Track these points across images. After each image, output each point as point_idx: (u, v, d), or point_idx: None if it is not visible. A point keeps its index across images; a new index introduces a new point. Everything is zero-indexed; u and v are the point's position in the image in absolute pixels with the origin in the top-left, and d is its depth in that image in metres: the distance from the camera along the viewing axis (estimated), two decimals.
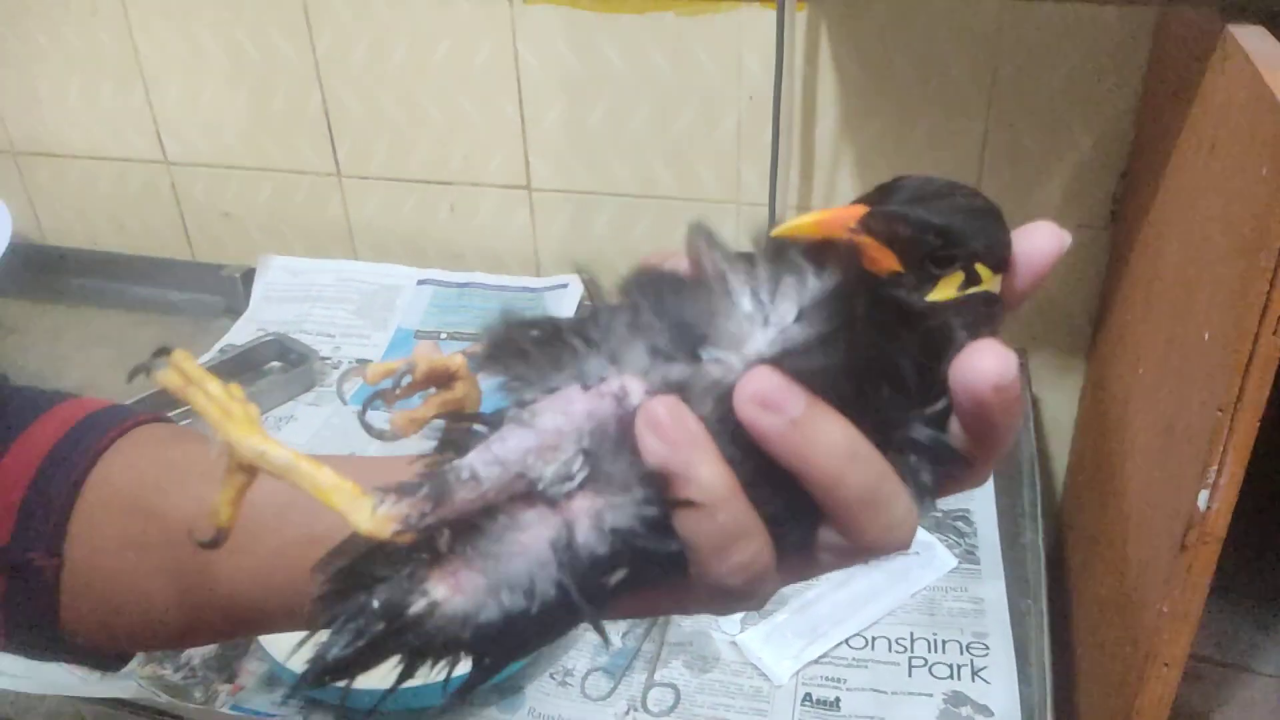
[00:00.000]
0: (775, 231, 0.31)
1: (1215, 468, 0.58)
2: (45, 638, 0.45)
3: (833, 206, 0.31)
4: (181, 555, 0.43)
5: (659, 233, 1.11)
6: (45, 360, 1.20)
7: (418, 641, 0.31)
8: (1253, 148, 0.58)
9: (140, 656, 0.82)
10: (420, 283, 1.20)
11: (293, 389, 1.09)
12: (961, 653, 0.78)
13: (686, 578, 0.31)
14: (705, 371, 0.30)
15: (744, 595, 0.32)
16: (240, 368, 1.12)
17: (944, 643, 0.79)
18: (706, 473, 0.29)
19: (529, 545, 0.30)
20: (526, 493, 0.30)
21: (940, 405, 0.31)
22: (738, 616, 0.81)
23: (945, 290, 0.31)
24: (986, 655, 0.78)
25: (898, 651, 0.79)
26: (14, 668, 0.79)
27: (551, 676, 0.78)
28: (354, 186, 1.22)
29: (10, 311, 1.28)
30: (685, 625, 0.82)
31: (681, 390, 0.30)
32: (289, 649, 0.77)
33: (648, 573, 0.31)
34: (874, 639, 0.80)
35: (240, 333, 1.18)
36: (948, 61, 0.99)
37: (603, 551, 0.30)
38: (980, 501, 0.93)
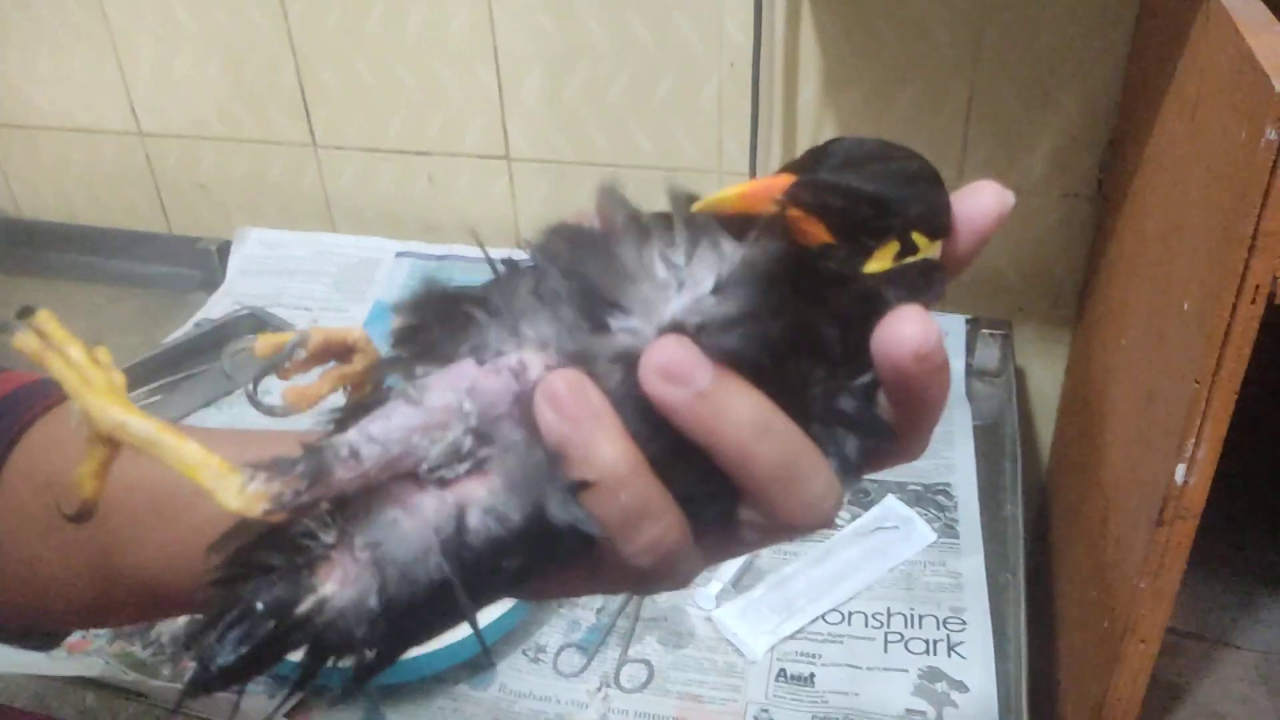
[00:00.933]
0: (698, 206, 0.29)
1: (1192, 441, 0.57)
2: None
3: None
4: (96, 535, 0.42)
5: (640, 201, 1.09)
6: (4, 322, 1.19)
7: (308, 639, 0.29)
8: (1233, 112, 0.56)
9: (109, 633, 0.82)
10: (399, 255, 1.18)
11: (269, 363, 1.08)
12: (938, 628, 0.77)
13: (593, 558, 0.30)
14: (613, 341, 0.29)
15: (659, 575, 0.30)
16: (216, 341, 1.10)
17: (921, 618, 0.78)
18: (608, 450, 0.28)
19: (420, 530, 0.28)
20: (415, 474, 0.29)
21: (867, 377, 0.30)
22: (712, 592, 0.81)
23: (881, 261, 0.29)
24: (964, 630, 0.77)
25: (874, 626, 0.78)
26: None
27: (524, 653, 0.77)
28: (330, 157, 1.20)
29: None
30: (660, 601, 0.81)
31: (587, 362, 0.29)
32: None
33: (550, 555, 0.29)
34: (850, 614, 0.79)
35: (216, 306, 1.16)
36: (931, 26, 0.97)
37: (498, 536, 0.28)
38: (961, 475, 0.92)
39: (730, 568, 0.82)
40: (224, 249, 1.22)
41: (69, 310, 1.22)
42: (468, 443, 0.29)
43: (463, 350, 0.30)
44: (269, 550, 0.30)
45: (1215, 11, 0.63)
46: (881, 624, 0.78)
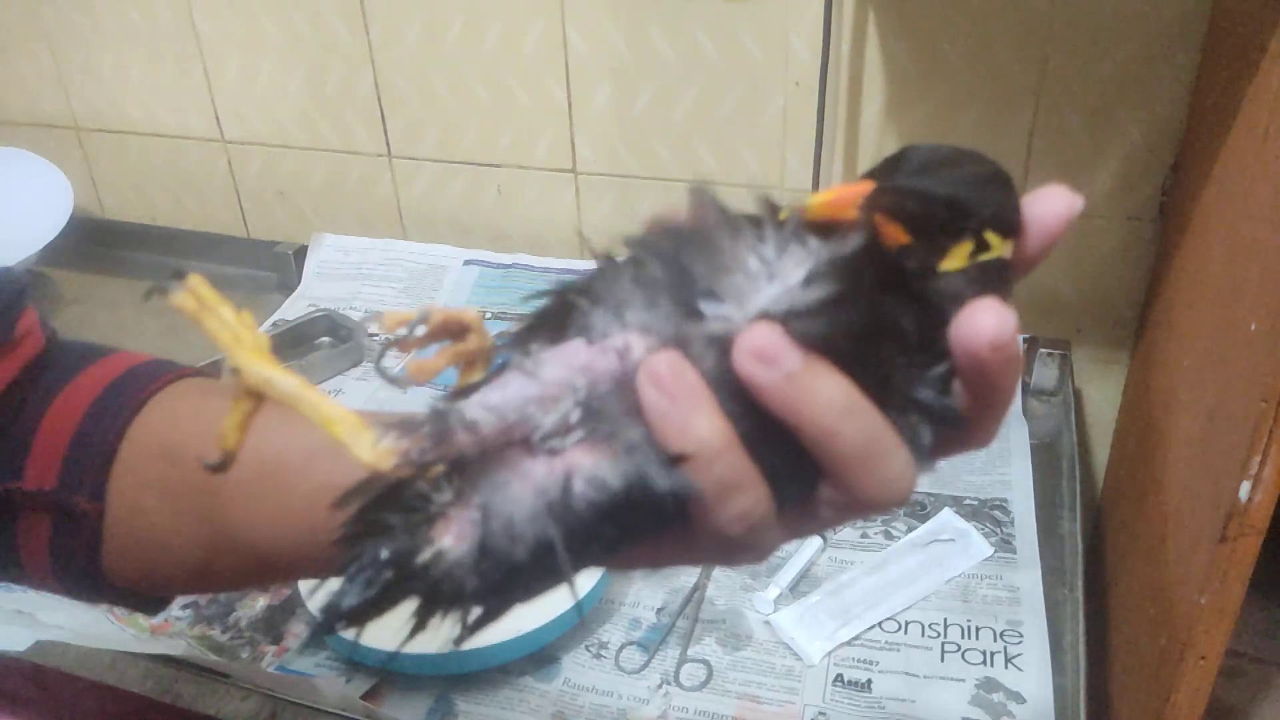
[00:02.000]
0: (784, 214, 0.32)
1: (1258, 458, 0.58)
2: (89, 580, 0.47)
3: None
4: (209, 501, 0.45)
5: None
6: (102, 332, 1.24)
7: (425, 589, 0.32)
8: None
9: (190, 616, 0.85)
10: (466, 263, 1.21)
11: (340, 364, 1.12)
12: (995, 639, 0.78)
13: (688, 528, 0.32)
14: (707, 327, 0.31)
15: (745, 546, 0.32)
16: (291, 342, 1.15)
17: (978, 629, 0.79)
18: (704, 425, 0.30)
19: (530, 494, 0.31)
20: (527, 441, 0.31)
21: (943, 368, 0.32)
22: (771, 596, 0.82)
23: (956, 259, 0.32)
24: (1020, 643, 0.78)
25: (930, 636, 0.79)
26: (72, 622, 0.82)
27: (587, 649, 0.80)
28: (404, 167, 1.24)
29: (70, 283, 1.32)
30: (719, 604, 0.83)
31: (683, 345, 0.31)
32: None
33: (647, 523, 0.32)
34: (907, 623, 0.81)
35: (292, 308, 1.20)
36: (997, 48, 0.98)
37: (600, 502, 0.31)
38: (1018, 491, 0.93)
39: (788, 573, 0.84)
40: (300, 253, 1.26)
41: (149, 310, 1.27)
42: (576, 415, 0.31)
43: (571, 333, 0.32)
44: (389, 508, 0.33)
45: None
46: (938, 634, 0.79)
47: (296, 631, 0.83)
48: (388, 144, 1.23)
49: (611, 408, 0.31)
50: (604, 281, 0.33)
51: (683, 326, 0.31)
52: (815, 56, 1.00)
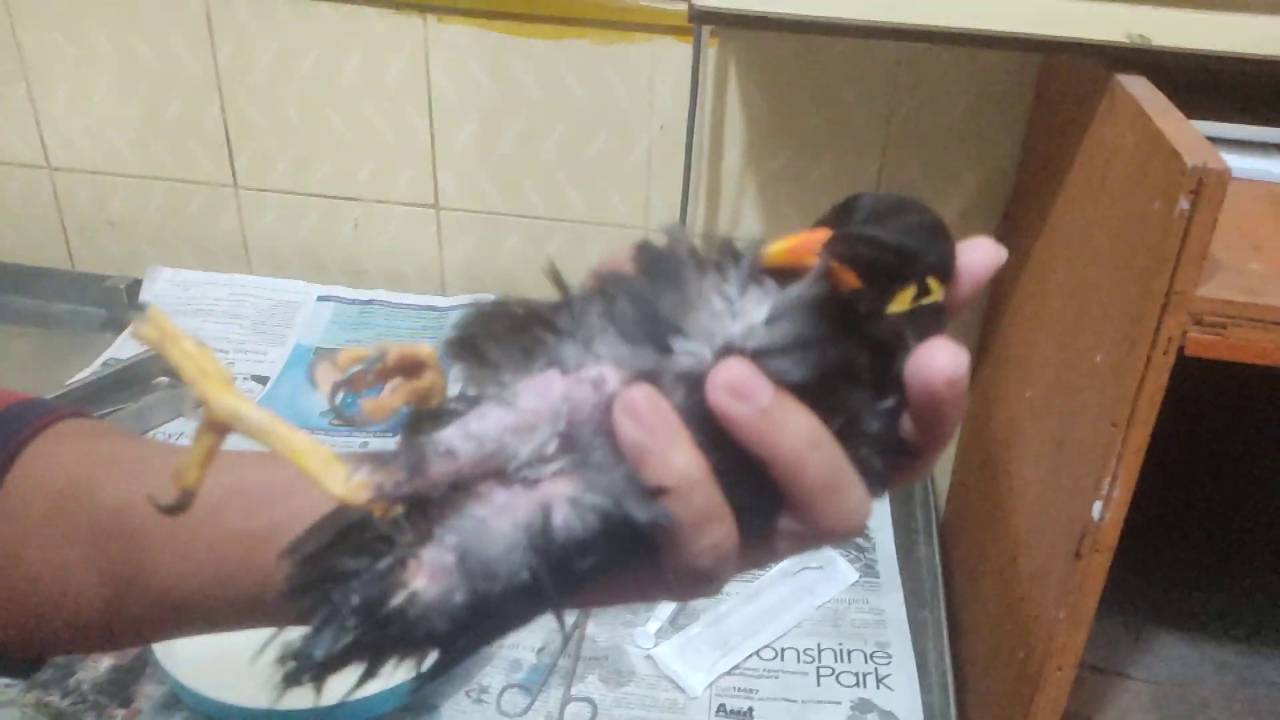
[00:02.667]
0: (768, 255, 0.33)
1: (1109, 479, 0.63)
2: None
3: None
4: (113, 547, 0.42)
5: (568, 255, 1.12)
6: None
7: (399, 634, 0.31)
8: (1144, 186, 0.63)
9: (21, 685, 0.78)
10: (320, 299, 1.17)
11: (181, 406, 1.05)
12: (866, 661, 0.82)
13: (656, 562, 0.33)
14: (677, 361, 0.32)
15: (710, 577, 0.33)
16: (125, 383, 1.07)
17: (849, 652, 0.83)
18: (681, 457, 0.31)
19: (506, 528, 0.31)
20: (502, 473, 0.31)
21: (891, 402, 0.34)
22: (651, 630, 0.83)
23: (900, 303, 0.34)
24: (890, 663, 0.81)
25: (806, 661, 0.82)
26: None
27: (467, 694, 0.78)
28: (251, 198, 1.19)
29: None
30: (600, 640, 0.83)
31: (654, 379, 0.32)
32: (189, 667, 0.75)
33: (623, 556, 0.32)
34: (783, 650, 0.83)
35: (124, 347, 1.13)
36: (847, 100, 1.04)
37: (580, 536, 0.31)
38: (877, 519, 0.97)
39: (667, 606, 0.85)
40: (134, 287, 1.19)
41: None
42: (553, 445, 0.31)
43: (538, 365, 0.33)
44: (349, 552, 0.32)
45: (1121, 97, 0.71)
46: (813, 659, 0.82)
47: (148, 692, 0.78)
48: (234, 174, 1.18)
49: (588, 439, 0.32)
50: (568, 314, 0.33)
51: (652, 360, 0.32)
52: (679, 101, 1.03)
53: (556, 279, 0.35)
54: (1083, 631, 0.68)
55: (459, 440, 0.31)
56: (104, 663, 0.80)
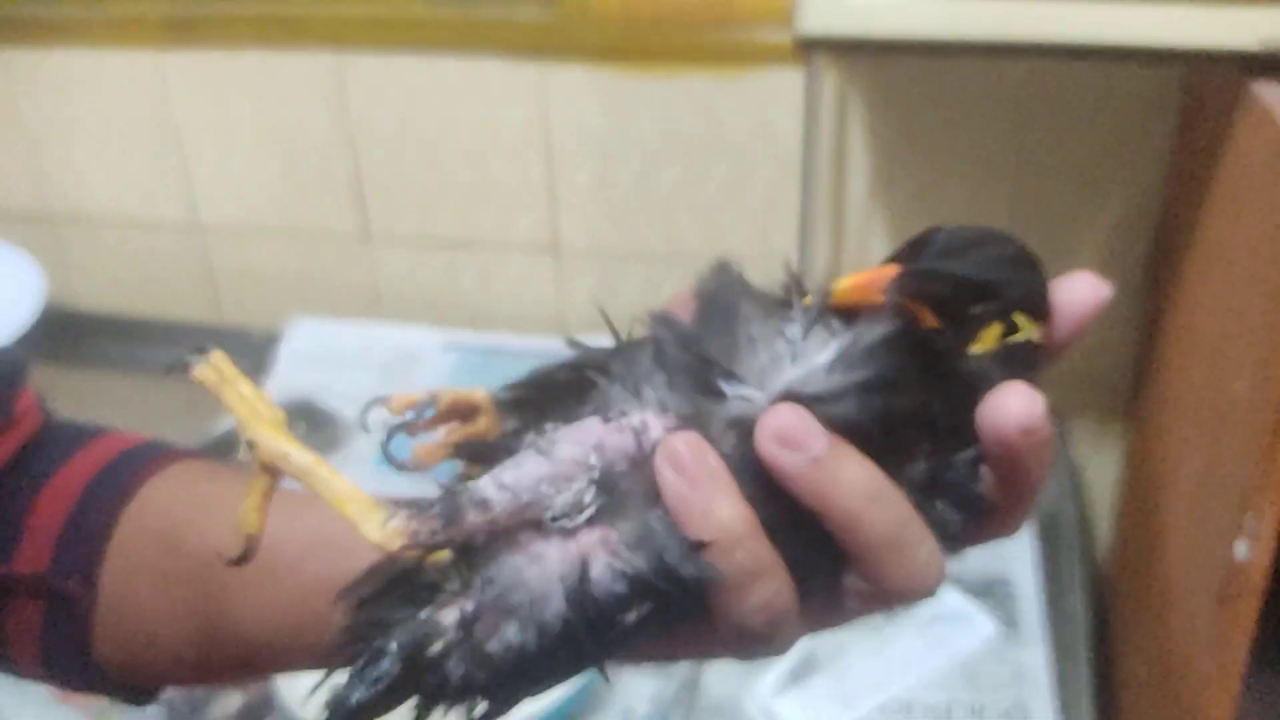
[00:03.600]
0: (808, 297, 0.31)
1: (1251, 515, 0.56)
2: (79, 668, 0.44)
3: (865, 266, 0.31)
4: (204, 589, 0.43)
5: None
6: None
7: (436, 681, 0.30)
8: (1273, 201, 0.57)
9: (164, 713, 0.81)
10: (446, 347, 1.19)
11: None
12: (1000, 718, 0.75)
13: (705, 619, 0.30)
14: (728, 408, 0.30)
15: (765, 638, 0.30)
16: None
17: (983, 708, 0.76)
18: (726, 510, 0.29)
19: (545, 580, 0.29)
20: (540, 524, 0.30)
21: (971, 453, 0.30)
22: (770, 679, 0.79)
23: (986, 342, 0.31)
24: None
25: (936, 717, 0.76)
26: (39, 718, 0.78)
27: None
28: (382, 249, 1.23)
29: (41, 375, 1.28)
30: (714, 690, 0.79)
31: (702, 426, 0.30)
32: (311, 706, 0.75)
33: (666, 611, 0.30)
34: (911, 704, 0.77)
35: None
36: (977, 123, 0.99)
37: (619, 589, 0.29)
38: (1020, 567, 0.90)
39: (788, 658, 0.81)
40: (274, 339, 1.24)
41: (118, 400, 1.24)
42: (590, 495, 0.30)
43: (586, 410, 0.31)
44: (397, 598, 0.31)
45: (1254, 105, 0.65)
46: (944, 715, 0.76)
47: None
48: (367, 225, 1.22)
49: (629, 489, 0.30)
50: (622, 358, 0.32)
51: (702, 406, 0.30)
52: (797, 133, 1.00)
53: (609, 324, 0.33)
54: (1233, 683, 0.60)
55: (494, 490, 0.30)
56: (236, 699, 0.82)
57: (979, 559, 0.92)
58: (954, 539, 0.31)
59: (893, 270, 0.30)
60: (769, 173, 1.05)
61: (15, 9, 1.24)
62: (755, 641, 0.31)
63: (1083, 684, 0.78)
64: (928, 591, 0.30)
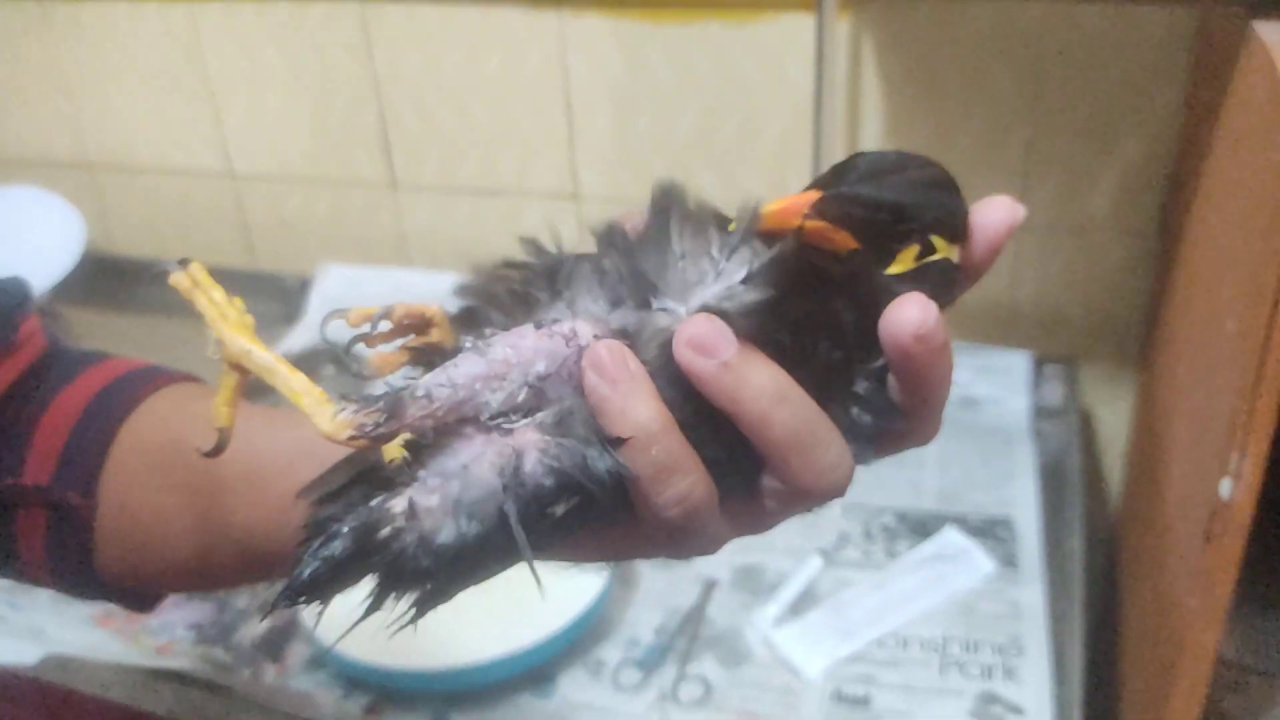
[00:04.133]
0: (731, 226, 0.33)
1: (1236, 455, 0.57)
2: (82, 575, 0.48)
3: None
4: (200, 498, 0.46)
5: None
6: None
7: (384, 564, 0.33)
8: (1268, 138, 0.57)
9: (193, 636, 0.86)
10: None
11: (347, 390, 1.12)
12: (995, 653, 0.78)
13: (630, 514, 0.33)
14: (653, 319, 0.32)
15: (688, 533, 0.33)
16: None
17: (978, 643, 0.79)
18: (642, 409, 0.31)
19: (483, 473, 0.32)
20: (479, 422, 0.32)
21: (881, 362, 0.33)
22: (771, 611, 0.82)
23: (903, 262, 0.33)
24: (1020, 656, 0.77)
25: (930, 651, 0.79)
26: (80, 640, 0.83)
27: (584, 666, 0.79)
28: (408, 196, 1.26)
29: (80, 318, 1.33)
30: (719, 622, 0.82)
31: (630, 335, 0.32)
32: (333, 630, 0.80)
33: (593, 506, 0.32)
34: (907, 639, 0.80)
35: (298, 339, 1.21)
36: (991, 68, 0.99)
37: (548, 482, 0.32)
38: (1022, 509, 0.92)
39: (789, 591, 0.84)
40: (305, 284, 1.28)
41: (157, 344, 1.29)
42: (523, 395, 0.32)
43: (523, 317, 0.34)
44: (354, 490, 0.34)
45: (1255, 46, 0.65)
46: (938, 649, 0.79)
47: (297, 651, 0.84)
48: (392, 173, 1.25)
49: (558, 390, 0.32)
50: (566, 268, 0.34)
51: (629, 317, 0.33)
52: (811, 79, 1.01)
53: (548, 241, 0.36)
54: (1217, 621, 0.62)
55: (433, 386, 0.32)
56: (263, 624, 0.87)
57: (982, 500, 0.94)
58: (867, 442, 0.34)
59: (813, 195, 0.32)
60: (783, 118, 1.06)
61: None
62: (677, 535, 0.33)
63: (1077, 624, 0.80)
64: (837, 490, 0.33)
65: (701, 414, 0.32)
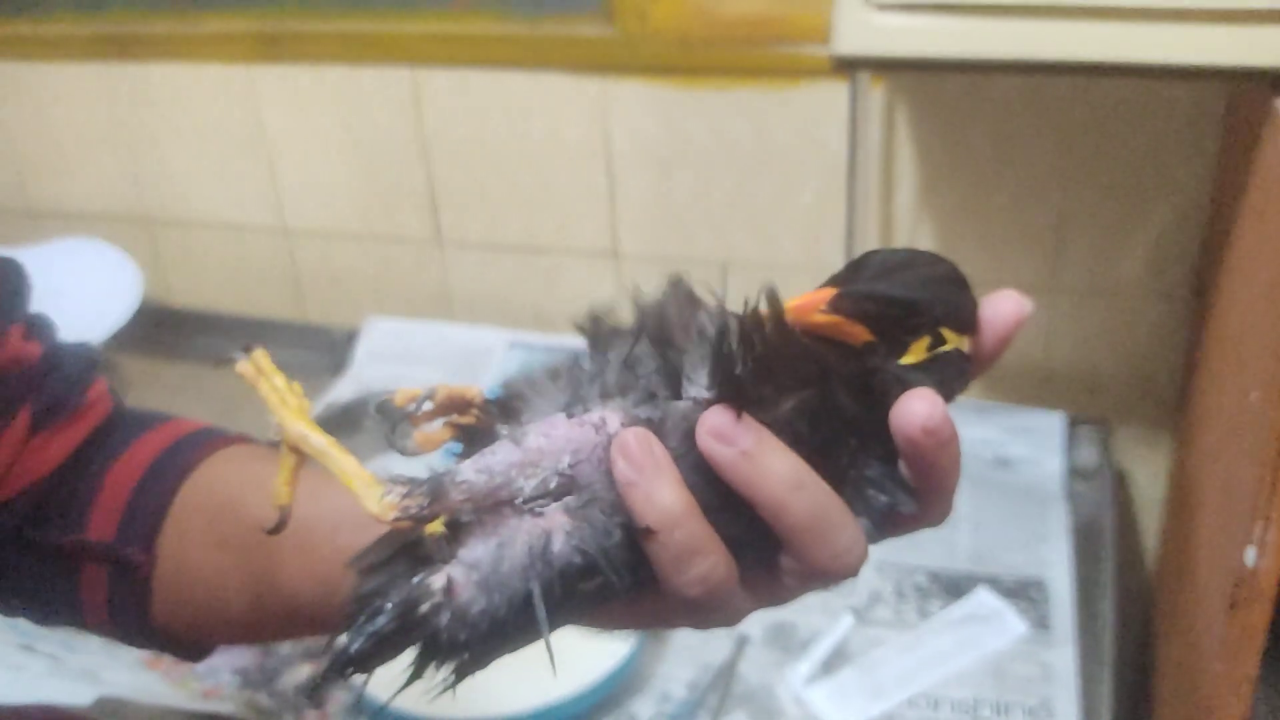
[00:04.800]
0: (752, 311, 0.35)
1: (1261, 523, 0.58)
2: (139, 626, 0.51)
3: None
4: (254, 557, 0.48)
5: (738, 296, 1.14)
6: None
7: (424, 637, 0.35)
8: None
9: (238, 680, 0.88)
10: (511, 346, 1.25)
11: (404, 411, 1.15)
12: (1025, 716, 0.78)
13: (656, 591, 0.35)
14: (677, 408, 0.35)
15: (710, 609, 0.35)
16: (342, 422, 1.19)
17: (1008, 706, 0.79)
18: (667, 494, 0.33)
19: (515, 553, 0.34)
20: (514, 504, 0.35)
21: (892, 449, 0.35)
22: (803, 669, 0.83)
23: (916, 353, 0.35)
24: None
25: (961, 713, 0.79)
26: (131, 683, 0.85)
27: None
28: (454, 253, 1.29)
29: (135, 368, 1.38)
30: (750, 678, 0.83)
31: (657, 423, 0.35)
32: (374, 677, 0.81)
33: (618, 584, 0.34)
34: (938, 700, 0.80)
35: (344, 390, 1.25)
36: (1022, 136, 1.01)
37: (576, 561, 0.34)
38: (1056, 570, 0.92)
39: (820, 649, 0.84)
40: (352, 337, 1.31)
41: (209, 393, 1.33)
42: (555, 481, 0.35)
43: (558, 403, 0.36)
44: (397, 563, 0.36)
45: (1277, 123, 0.66)
46: (969, 711, 0.79)
47: (338, 697, 0.86)
48: (439, 231, 1.29)
49: (588, 476, 0.35)
50: (596, 360, 0.37)
51: (656, 405, 0.35)
52: (845, 145, 1.03)
53: (594, 324, 0.38)
54: (1244, 687, 0.62)
55: (472, 473, 0.35)
56: (305, 669, 0.89)
57: (1015, 561, 0.94)
58: (879, 525, 0.36)
59: (829, 292, 0.34)
60: (817, 183, 1.08)
61: (118, 26, 1.33)
62: (700, 611, 0.36)
63: (1107, 687, 0.80)
64: (849, 572, 0.35)
65: (723, 497, 0.34)
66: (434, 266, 1.31)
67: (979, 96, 1.00)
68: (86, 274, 1.39)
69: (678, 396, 0.35)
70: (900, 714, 0.79)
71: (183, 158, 1.39)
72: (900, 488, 0.35)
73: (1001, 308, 0.36)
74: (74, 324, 1.43)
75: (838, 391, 0.35)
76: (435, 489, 0.34)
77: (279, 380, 0.39)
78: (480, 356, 1.26)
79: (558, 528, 0.34)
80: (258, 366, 0.40)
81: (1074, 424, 1.06)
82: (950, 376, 0.35)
